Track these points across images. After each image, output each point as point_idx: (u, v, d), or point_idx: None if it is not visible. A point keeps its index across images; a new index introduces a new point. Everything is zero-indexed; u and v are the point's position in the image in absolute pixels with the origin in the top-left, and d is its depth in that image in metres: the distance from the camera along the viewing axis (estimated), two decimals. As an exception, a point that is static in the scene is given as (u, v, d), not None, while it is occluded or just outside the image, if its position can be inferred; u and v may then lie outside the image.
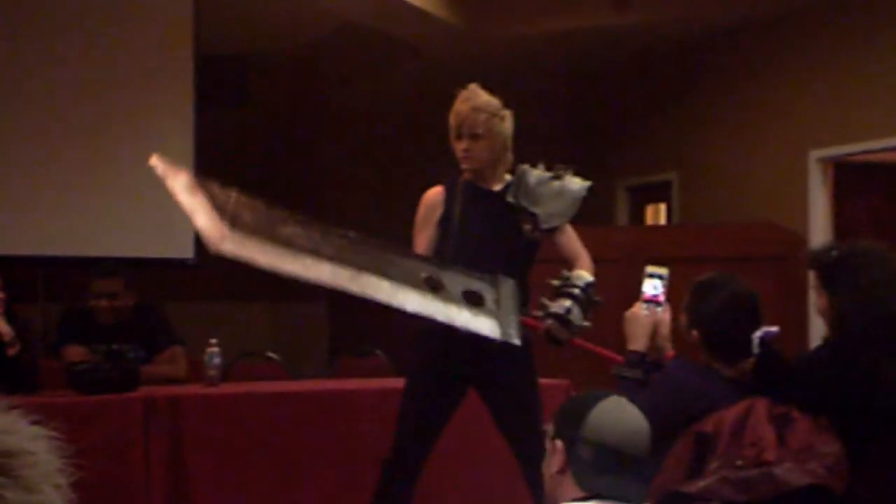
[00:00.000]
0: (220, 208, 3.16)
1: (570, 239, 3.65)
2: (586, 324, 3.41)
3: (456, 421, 3.71)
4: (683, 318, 2.85)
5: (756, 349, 2.72)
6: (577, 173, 3.67)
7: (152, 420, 4.08)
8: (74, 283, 5.15)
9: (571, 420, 2.06)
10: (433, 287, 3.27)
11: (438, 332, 3.35)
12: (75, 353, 4.60)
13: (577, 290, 3.42)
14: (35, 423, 1.13)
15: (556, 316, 3.37)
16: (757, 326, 2.75)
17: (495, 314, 3.31)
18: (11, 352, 4.15)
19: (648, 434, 2.05)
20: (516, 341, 3.28)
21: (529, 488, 3.46)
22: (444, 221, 3.63)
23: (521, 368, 3.53)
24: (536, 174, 3.60)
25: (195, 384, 4.57)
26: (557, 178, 3.61)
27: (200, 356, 4.53)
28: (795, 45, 7.07)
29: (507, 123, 3.60)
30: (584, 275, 3.50)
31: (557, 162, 3.69)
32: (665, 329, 2.98)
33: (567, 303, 3.39)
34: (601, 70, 8.72)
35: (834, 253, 2.77)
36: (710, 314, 2.77)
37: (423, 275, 3.30)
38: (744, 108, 7.47)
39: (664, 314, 2.99)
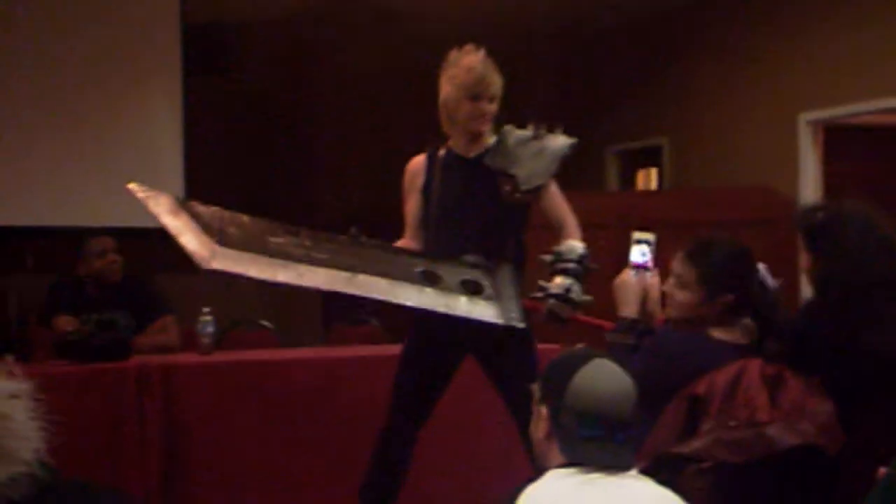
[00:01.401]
0: (205, 226, 3.12)
1: (555, 202, 3.56)
2: (587, 298, 3.38)
3: (454, 388, 3.71)
4: (683, 271, 2.80)
5: (772, 285, 2.71)
6: (564, 132, 3.59)
7: (146, 389, 4.08)
8: (64, 254, 5.14)
9: (554, 386, 2.05)
10: (430, 280, 3.25)
11: None
12: (65, 322, 4.59)
13: (572, 265, 3.38)
14: (12, 378, 1.11)
15: (556, 296, 3.34)
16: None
17: (495, 300, 3.29)
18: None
19: (634, 397, 2.02)
20: (520, 325, 3.26)
21: (529, 456, 3.45)
22: (426, 189, 3.60)
23: (518, 334, 3.52)
24: (517, 135, 3.53)
25: (189, 353, 4.57)
26: (537, 137, 3.53)
27: (194, 326, 4.52)
28: (785, 8, 7.04)
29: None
30: (575, 246, 3.44)
31: (545, 121, 3.62)
32: (655, 293, 2.98)
33: (566, 281, 3.35)
34: (591, 35, 8.68)
35: (819, 214, 2.76)
36: (719, 263, 2.76)
37: (419, 269, 3.27)
38: (734, 71, 7.45)
39: (653, 279, 2.99)
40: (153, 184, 6.76)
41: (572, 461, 1.96)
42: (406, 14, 7.70)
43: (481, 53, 3.50)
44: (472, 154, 3.56)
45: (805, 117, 6.83)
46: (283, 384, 4.34)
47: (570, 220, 3.55)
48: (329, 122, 8.55)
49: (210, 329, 4.45)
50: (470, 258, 3.43)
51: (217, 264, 3.02)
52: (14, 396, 1.11)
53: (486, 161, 3.51)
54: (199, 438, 4.17)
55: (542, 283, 3.37)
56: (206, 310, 4.48)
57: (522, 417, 3.46)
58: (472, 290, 3.28)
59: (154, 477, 4.04)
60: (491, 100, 3.48)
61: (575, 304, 3.36)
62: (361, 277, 3.15)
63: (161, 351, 4.58)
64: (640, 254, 3.01)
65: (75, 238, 5.06)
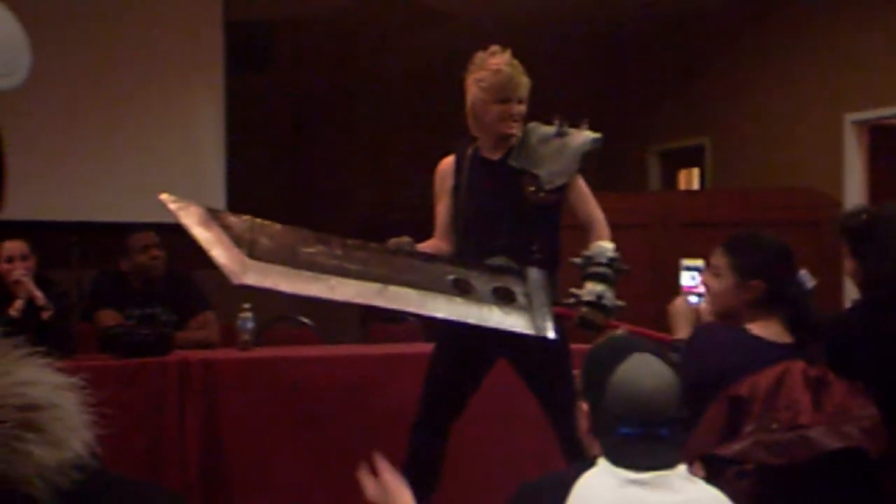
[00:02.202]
0: (236, 238, 3.12)
1: (581, 200, 3.50)
2: (620, 303, 3.33)
3: (491, 380, 3.69)
4: (718, 261, 2.78)
5: (808, 284, 2.68)
6: (590, 127, 3.53)
7: (187, 384, 4.11)
8: (108, 249, 5.18)
9: (594, 382, 2.00)
10: (462, 289, 3.22)
11: None
12: (109, 317, 4.64)
13: (602, 269, 3.33)
14: (60, 373, 1.12)
15: (588, 303, 3.30)
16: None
17: (527, 309, 3.24)
18: (45, 316, 4.19)
19: (677, 392, 1.96)
20: (551, 335, 3.22)
21: (565, 455, 3.42)
22: (455, 191, 3.59)
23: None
24: (540, 132, 3.49)
25: (228, 349, 4.60)
26: (560, 134, 3.48)
27: (234, 322, 4.55)
28: (829, 7, 6.97)
29: None
30: (605, 247, 3.38)
31: (570, 117, 3.57)
32: (707, 316, 2.97)
33: (598, 287, 3.30)
34: (634, 34, 8.63)
35: (862, 217, 2.73)
36: (759, 257, 2.73)
37: (450, 277, 3.25)
38: (778, 71, 7.38)
39: (705, 305, 2.99)
40: (195, 180, 6.87)
41: (613, 459, 1.92)
42: (445, 14, 7.70)
43: (507, 54, 3.48)
44: (498, 155, 3.53)
45: (850, 118, 6.75)
46: (322, 381, 4.35)
47: (598, 218, 3.49)
48: (369, 119, 8.56)
49: (250, 325, 4.47)
50: (497, 261, 3.41)
51: (248, 279, 3.03)
52: (63, 388, 1.11)
53: (510, 161, 3.49)
54: (239, 433, 4.19)
55: (573, 290, 3.32)
56: (245, 306, 4.50)
57: (556, 417, 3.45)
58: (504, 298, 3.23)
59: (194, 470, 4.07)
60: (520, 101, 3.46)
61: (608, 311, 3.30)
62: (392, 289, 3.13)
63: (201, 347, 4.61)
64: (690, 279, 3.03)
65: (118, 233, 5.11)
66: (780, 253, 2.75)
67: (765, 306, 2.70)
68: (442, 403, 3.61)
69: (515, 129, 3.48)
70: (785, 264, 2.73)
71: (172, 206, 3.26)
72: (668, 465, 1.91)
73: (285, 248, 3.21)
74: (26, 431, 1.03)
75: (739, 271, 2.72)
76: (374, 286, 3.12)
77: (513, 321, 3.19)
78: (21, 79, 1.33)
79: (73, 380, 1.13)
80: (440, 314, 3.14)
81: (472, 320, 3.16)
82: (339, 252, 3.25)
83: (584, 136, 3.49)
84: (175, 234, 6.01)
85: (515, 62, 3.47)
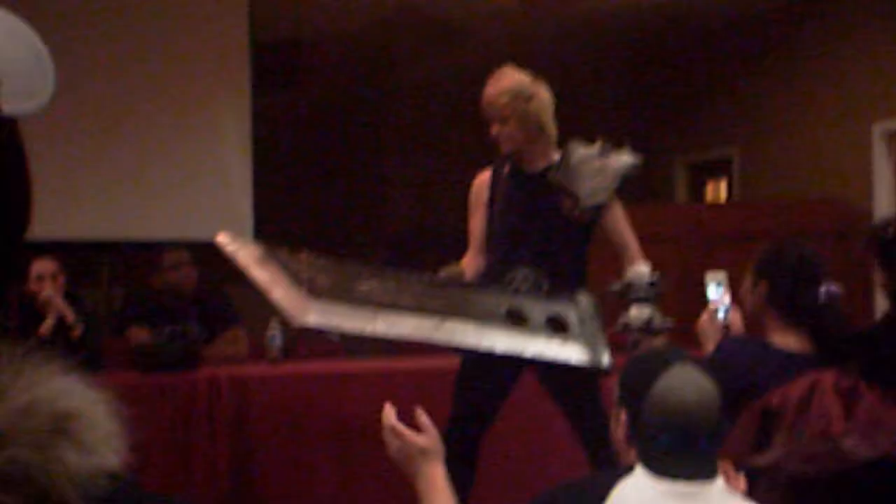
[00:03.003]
0: (294, 277, 3.11)
1: (617, 223, 3.54)
2: (669, 324, 3.35)
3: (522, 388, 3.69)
4: (748, 283, 2.80)
5: (822, 298, 2.66)
6: (631, 148, 3.58)
7: (216, 399, 4.13)
8: (137, 267, 5.23)
9: (633, 392, 1.98)
10: (516, 320, 3.21)
11: None
12: (140, 333, 4.67)
13: (644, 293, 3.37)
14: (92, 387, 1.14)
15: (640, 329, 3.32)
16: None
17: (582, 338, 3.21)
18: (75, 334, 4.23)
19: (718, 404, 1.95)
20: (607, 364, 3.18)
21: (592, 463, 3.44)
22: (490, 205, 3.61)
23: None
24: (582, 151, 3.51)
25: (258, 363, 4.62)
26: (602, 154, 3.51)
27: (263, 336, 4.57)
28: (857, 17, 6.94)
29: (536, 102, 3.49)
30: (643, 272, 3.43)
31: (612, 138, 3.61)
32: (736, 329, 2.96)
33: (645, 311, 3.33)
34: (660, 46, 8.62)
35: (890, 230, 2.71)
36: (782, 266, 2.74)
37: (504, 308, 3.23)
38: (805, 81, 7.35)
39: (733, 316, 2.99)
40: (223, 198, 6.91)
41: (651, 469, 1.90)
42: (473, 28, 7.72)
43: (497, 75, 3.53)
44: (535, 170, 3.55)
45: (879, 127, 6.71)
46: (351, 395, 4.36)
47: (632, 243, 3.53)
48: (397, 135, 8.59)
49: (278, 340, 4.49)
50: (522, 272, 3.42)
51: (309, 320, 3.00)
52: (95, 400, 1.14)
53: (549, 177, 3.51)
54: (269, 448, 4.20)
55: (622, 319, 3.35)
56: (274, 320, 4.52)
57: (583, 429, 3.45)
58: (559, 328, 3.22)
59: (224, 485, 4.08)
60: (502, 121, 3.49)
61: (658, 332, 3.33)
62: (449, 324, 3.10)
63: (229, 362, 4.64)
64: (715, 293, 3.02)
65: (147, 251, 5.16)
66: (788, 262, 2.74)
67: (782, 315, 2.69)
68: (470, 414, 3.61)
69: (504, 147, 3.53)
70: (794, 268, 2.71)
71: (229, 249, 3.26)
72: (706, 477, 1.90)
73: (342, 285, 3.19)
74: (59, 439, 1.05)
75: (753, 274, 2.76)
76: (432, 321, 3.09)
77: (569, 353, 3.16)
78: (44, 102, 1.36)
79: (104, 393, 1.15)
80: (499, 347, 3.10)
81: (529, 354, 3.14)
82: (392, 285, 3.23)
83: (624, 159, 3.52)
84: (203, 249, 6.07)
85: (501, 83, 3.50)
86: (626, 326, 3.33)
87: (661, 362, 1.99)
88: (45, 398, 1.09)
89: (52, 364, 1.16)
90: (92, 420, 1.11)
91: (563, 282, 3.43)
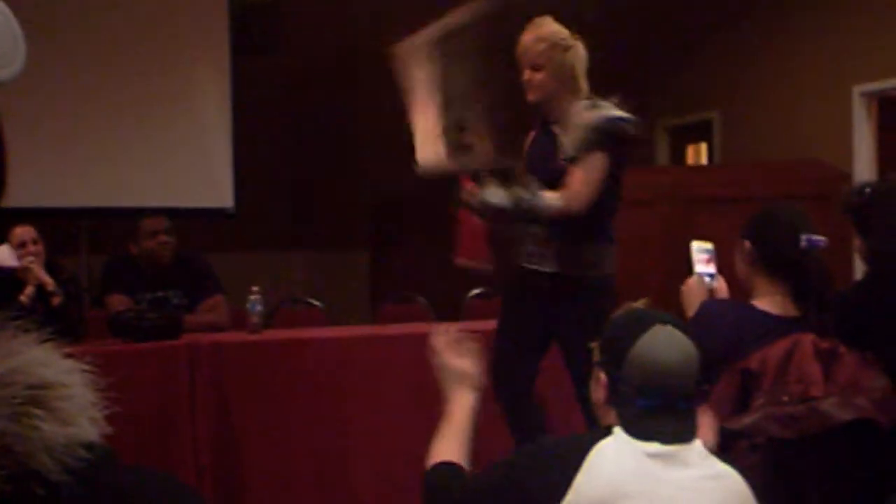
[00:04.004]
0: None
1: (575, 171, 3.46)
2: (501, 204, 3.38)
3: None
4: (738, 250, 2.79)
5: (803, 245, 2.66)
6: (618, 104, 3.58)
7: (197, 367, 4.12)
8: (117, 234, 5.20)
9: (613, 353, 1.99)
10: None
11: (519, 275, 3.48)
12: (119, 301, 4.65)
13: (525, 199, 3.37)
14: (69, 357, 1.13)
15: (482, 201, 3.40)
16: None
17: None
18: (55, 302, 4.21)
19: (697, 365, 1.96)
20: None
21: (587, 422, 3.44)
22: (524, 156, 3.71)
23: (573, 291, 3.53)
24: (580, 103, 3.53)
25: (238, 332, 4.61)
26: (593, 107, 3.53)
27: (242, 305, 4.56)
28: (838, -23, 6.92)
29: (573, 54, 3.55)
30: (543, 196, 3.39)
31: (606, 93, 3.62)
32: (721, 296, 2.97)
33: (503, 202, 3.36)
34: (639, 9, 8.59)
35: (866, 192, 2.72)
36: (766, 223, 2.74)
37: None
38: (785, 44, 7.34)
39: (719, 283, 2.99)
40: (203, 162, 6.88)
41: (630, 431, 1.91)
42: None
43: (536, 23, 3.59)
44: (551, 120, 3.62)
45: (859, 89, 6.71)
46: (332, 362, 4.36)
47: (569, 189, 3.44)
48: (378, 98, 8.54)
49: (259, 308, 4.48)
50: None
51: None
52: (72, 370, 1.13)
53: (552, 127, 3.59)
54: (250, 415, 4.21)
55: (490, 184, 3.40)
56: (254, 288, 4.51)
57: (577, 386, 3.47)
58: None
59: (205, 453, 4.09)
60: (533, 68, 3.53)
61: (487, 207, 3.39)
62: None
63: (210, 330, 4.63)
64: (702, 263, 3.02)
65: (128, 218, 5.12)
66: (771, 216, 2.75)
67: (765, 273, 2.69)
68: (506, 374, 3.65)
69: (532, 96, 3.57)
70: (777, 228, 2.71)
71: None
72: (685, 438, 1.91)
73: None
74: (35, 408, 1.05)
75: (741, 234, 2.77)
76: None
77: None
78: (18, 70, 1.33)
79: (82, 362, 1.14)
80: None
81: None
82: None
83: (601, 113, 3.49)
84: (183, 217, 6.05)
85: (540, 30, 3.55)
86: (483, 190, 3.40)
87: (641, 323, 1.99)
88: (21, 368, 1.08)
89: (29, 334, 1.15)
90: (68, 390, 1.10)
91: (562, 229, 3.47)
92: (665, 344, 1.96)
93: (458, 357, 2.26)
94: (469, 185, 3.46)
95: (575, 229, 3.50)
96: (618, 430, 1.92)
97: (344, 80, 8.44)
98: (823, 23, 7.01)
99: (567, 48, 3.54)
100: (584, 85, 3.58)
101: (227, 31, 7.00)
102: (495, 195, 3.38)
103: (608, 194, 3.51)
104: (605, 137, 3.45)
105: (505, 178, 3.46)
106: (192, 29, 6.92)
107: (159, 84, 6.78)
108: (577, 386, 3.51)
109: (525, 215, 3.42)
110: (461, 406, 2.22)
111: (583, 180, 3.45)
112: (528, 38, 3.56)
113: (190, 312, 4.70)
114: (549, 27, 3.58)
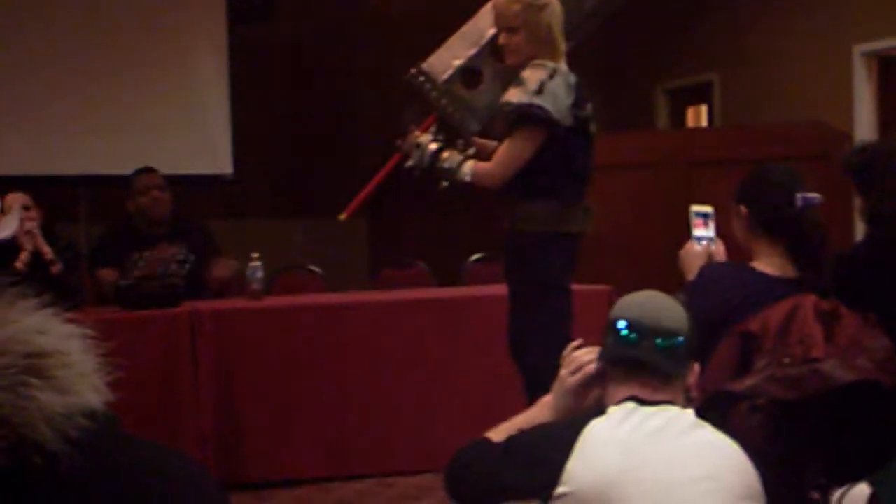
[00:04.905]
0: None
1: (499, 149, 3.49)
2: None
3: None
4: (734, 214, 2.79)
5: (798, 204, 2.65)
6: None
7: (199, 334, 4.13)
8: (116, 202, 5.18)
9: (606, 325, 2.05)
10: None
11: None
12: (108, 274, 4.61)
13: (444, 164, 3.49)
14: (69, 322, 1.12)
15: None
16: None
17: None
18: (55, 270, 4.19)
19: (681, 313, 2.04)
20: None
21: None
22: None
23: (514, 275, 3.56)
24: (529, 72, 3.44)
25: (239, 298, 4.61)
26: (531, 77, 3.47)
27: (243, 271, 4.55)
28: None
29: (549, 13, 3.44)
30: (461, 167, 3.48)
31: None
32: (719, 258, 2.96)
33: (425, 159, 3.53)
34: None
35: (866, 152, 2.70)
36: (760, 184, 2.73)
37: None
38: (785, 4, 7.28)
39: (718, 247, 2.98)
40: (202, 130, 6.85)
41: (611, 362, 1.99)
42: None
43: None
44: None
45: (859, 49, 6.67)
46: (333, 328, 4.37)
47: (488, 163, 3.50)
48: (376, 63, 8.49)
49: (259, 274, 4.47)
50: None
51: None
52: (71, 336, 1.11)
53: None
54: (251, 382, 4.22)
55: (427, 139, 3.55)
56: (254, 255, 4.50)
57: (510, 332, 3.49)
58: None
59: (208, 420, 4.10)
60: (510, 30, 3.46)
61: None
62: None
63: (227, 285, 4.64)
64: (701, 226, 3.00)
65: (127, 186, 5.09)
66: (763, 177, 2.74)
67: (762, 235, 2.69)
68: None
69: (510, 60, 3.52)
70: (771, 188, 2.70)
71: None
72: (668, 374, 1.98)
73: None
74: (32, 377, 1.03)
75: (735, 199, 2.76)
76: None
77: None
78: None
79: (82, 328, 1.13)
80: None
81: None
82: None
83: (517, 96, 3.43)
84: (183, 184, 6.02)
85: None
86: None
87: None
88: (17, 337, 1.07)
89: (27, 300, 1.14)
90: (67, 357, 1.09)
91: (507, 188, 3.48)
92: (649, 293, 2.09)
93: (580, 387, 2.18)
94: (416, 132, 3.56)
95: (514, 188, 3.47)
96: (611, 410, 1.94)
97: (341, 45, 8.39)
98: (823, -18, 6.95)
99: (542, 7, 3.43)
100: (562, 44, 3.48)
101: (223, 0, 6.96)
102: (418, 152, 3.52)
103: (549, 157, 3.42)
104: (523, 119, 3.40)
105: (450, 135, 3.50)
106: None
107: (157, 51, 6.74)
108: (509, 339, 3.53)
109: (441, 175, 3.51)
110: (537, 418, 2.20)
111: (498, 159, 3.47)
112: (501, 0, 3.48)
113: (201, 269, 4.68)
114: None
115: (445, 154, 3.52)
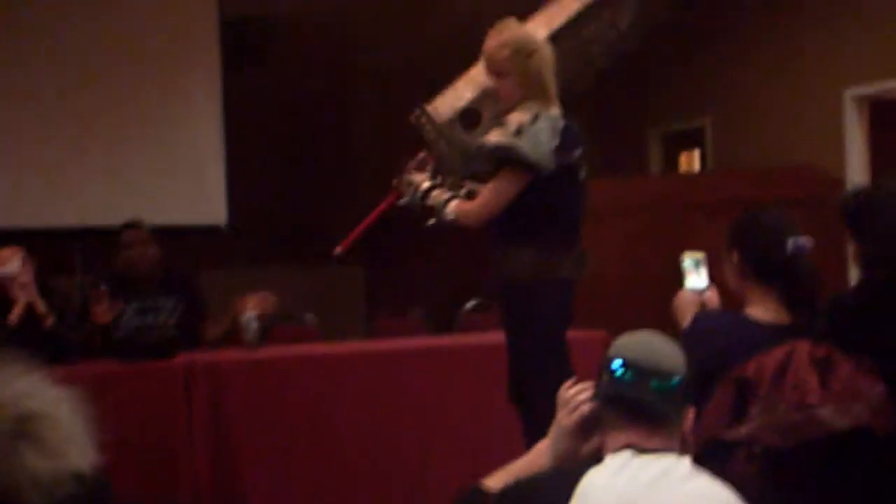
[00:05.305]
0: None
1: (483, 190, 3.50)
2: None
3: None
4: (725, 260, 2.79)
5: (790, 250, 2.66)
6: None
7: (194, 386, 4.11)
8: (111, 254, 5.17)
9: (601, 365, 2.04)
10: None
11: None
12: (103, 311, 4.54)
13: (430, 203, 3.52)
14: (57, 386, 1.12)
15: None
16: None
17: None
18: (47, 324, 4.18)
19: (678, 355, 2.03)
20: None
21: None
22: None
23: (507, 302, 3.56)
24: (515, 116, 3.44)
25: (234, 349, 4.59)
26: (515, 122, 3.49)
27: (237, 324, 4.54)
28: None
29: (538, 59, 3.43)
30: (447, 206, 3.50)
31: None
32: (713, 306, 2.96)
33: (412, 198, 3.58)
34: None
35: (861, 196, 2.71)
36: (750, 230, 2.74)
37: None
38: (776, 48, 7.34)
39: (711, 294, 2.98)
40: (196, 178, 6.85)
41: (606, 402, 1.97)
42: (444, 7, 7.66)
43: (499, 27, 3.50)
44: None
45: (850, 93, 6.71)
46: (328, 379, 4.35)
47: (471, 203, 3.51)
48: (369, 111, 8.54)
49: (255, 325, 4.46)
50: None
51: None
52: (60, 400, 1.11)
53: None
54: (248, 433, 4.19)
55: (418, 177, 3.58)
56: (250, 305, 4.49)
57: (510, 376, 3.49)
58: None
59: (204, 474, 4.07)
60: (498, 75, 3.47)
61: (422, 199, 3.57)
62: None
63: (225, 341, 4.63)
64: (693, 275, 3.00)
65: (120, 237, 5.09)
66: (754, 223, 2.74)
67: (755, 282, 2.69)
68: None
69: (500, 103, 3.52)
70: (762, 234, 2.71)
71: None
72: (662, 417, 1.96)
73: None
74: (20, 441, 1.03)
75: (726, 245, 2.75)
76: None
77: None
78: None
79: (71, 391, 1.12)
80: None
81: None
82: None
83: (496, 138, 3.45)
84: (179, 235, 6.03)
85: (502, 35, 3.46)
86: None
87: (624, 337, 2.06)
88: (8, 401, 1.07)
89: (17, 364, 1.14)
90: (55, 420, 1.08)
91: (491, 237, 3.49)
92: (644, 334, 2.06)
93: (577, 429, 2.16)
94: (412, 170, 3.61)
95: (499, 235, 3.47)
96: (608, 459, 1.93)
97: (336, 93, 8.44)
98: (813, 26, 7.01)
99: (531, 53, 3.42)
100: (553, 89, 3.46)
101: (218, 46, 7.00)
102: (410, 190, 3.59)
103: (535, 201, 3.40)
104: (504, 161, 3.39)
105: (445, 176, 3.54)
106: (181, 44, 6.92)
107: (150, 100, 6.77)
108: (508, 384, 3.52)
109: (428, 213, 3.53)
110: (535, 463, 2.19)
111: (480, 199, 3.46)
112: (490, 44, 3.46)
113: (183, 322, 4.66)
114: (511, 32, 3.47)
115: (435, 192, 3.54)
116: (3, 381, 1.10)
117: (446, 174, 3.64)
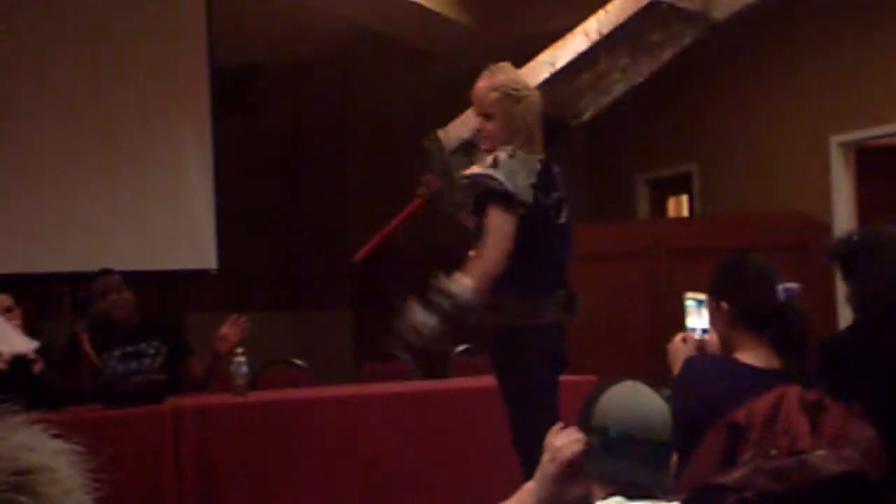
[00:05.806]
0: None
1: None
2: (440, 334, 3.30)
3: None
4: (711, 309, 2.79)
5: (781, 296, 2.66)
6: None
7: (182, 431, 4.08)
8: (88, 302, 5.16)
9: (583, 413, 2.02)
10: None
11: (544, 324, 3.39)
12: (92, 354, 4.54)
13: (446, 303, 3.26)
14: (56, 437, 1.12)
15: (412, 328, 3.32)
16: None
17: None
18: (36, 369, 4.16)
19: (668, 418, 1.97)
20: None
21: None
22: None
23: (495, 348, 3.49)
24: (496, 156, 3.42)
25: (223, 394, 4.57)
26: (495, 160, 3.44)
27: (227, 366, 4.53)
28: (813, 29, 7.01)
29: (525, 105, 3.43)
30: (460, 284, 3.27)
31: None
32: (712, 349, 2.95)
33: (431, 320, 3.27)
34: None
35: (851, 240, 2.73)
36: (736, 279, 2.73)
37: None
38: (762, 95, 7.42)
39: (711, 336, 2.97)
40: (186, 225, 6.86)
41: (603, 482, 1.92)
42: (432, 52, 7.73)
43: (492, 70, 3.50)
44: None
45: (836, 139, 6.77)
46: (318, 423, 4.33)
47: (476, 260, 3.37)
48: (358, 160, 8.58)
49: (244, 369, 4.44)
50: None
51: None
52: (58, 452, 1.12)
53: None
54: (237, 479, 4.16)
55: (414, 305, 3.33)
56: (239, 350, 4.48)
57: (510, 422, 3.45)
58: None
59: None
60: (485, 116, 3.45)
61: (428, 337, 3.30)
62: None
63: (206, 384, 4.60)
64: (695, 315, 2.99)
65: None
66: (741, 272, 2.74)
67: (746, 329, 2.69)
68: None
69: (484, 145, 3.49)
70: (751, 283, 2.71)
71: None
72: (661, 490, 1.91)
73: None
74: (20, 495, 1.04)
75: (712, 295, 2.75)
76: None
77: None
78: None
79: (69, 444, 1.13)
80: None
81: None
82: None
83: (471, 171, 3.45)
84: (171, 279, 6.03)
85: (494, 78, 3.46)
86: (408, 319, 3.33)
87: (611, 382, 2.04)
88: (7, 454, 1.07)
89: (15, 417, 1.15)
90: (54, 474, 1.09)
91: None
92: (634, 394, 2.01)
93: (562, 475, 2.14)
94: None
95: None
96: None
97: (327, 139, 8.48)
98: (800, 73, 7.09)
99: (519, 99, 3.43)
100: (538, 136, 3.46)
101: (208, 93, 7.03)
102: (427, 325, 3.30)
103: (516, 242, 3.33)
104: (486, 195, 3.35)
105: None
106: (172, 92, 6.96)
107: (140, 147, 6.80)
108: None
109: (457, 312, 3.28)
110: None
111: (485, 245, 3.33)
112: (481, 85, 3.47)
113: (168, 365, 4.64)
114: (503, 76, 3.48)
115: (436, 300, 3.31)
116: (3, 435, 1.10)
117: (446, 203, 3.60)
